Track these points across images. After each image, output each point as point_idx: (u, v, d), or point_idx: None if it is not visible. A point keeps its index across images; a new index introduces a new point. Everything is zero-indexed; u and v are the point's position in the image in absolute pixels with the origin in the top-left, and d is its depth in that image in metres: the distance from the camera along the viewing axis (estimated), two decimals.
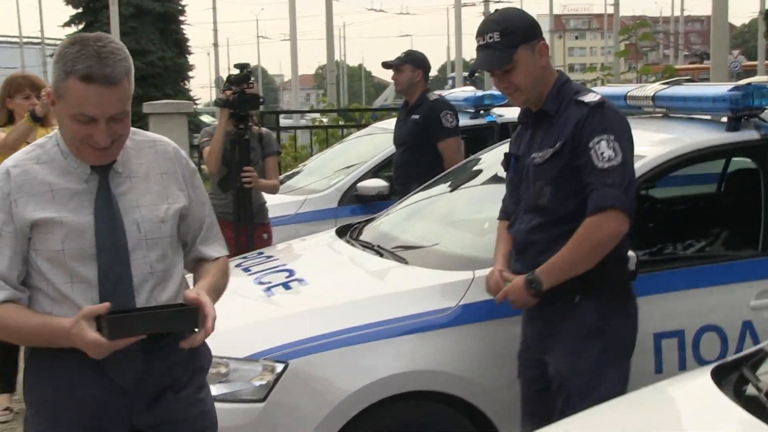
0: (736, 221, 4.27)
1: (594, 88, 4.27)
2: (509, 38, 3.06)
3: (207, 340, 2.37)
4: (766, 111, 4.01)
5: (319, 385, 3.15)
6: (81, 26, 25.14)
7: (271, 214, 5.61)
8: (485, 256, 3.49)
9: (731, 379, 2.12)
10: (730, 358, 2.29)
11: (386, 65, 5.76)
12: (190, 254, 2.51)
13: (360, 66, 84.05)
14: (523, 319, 3.23)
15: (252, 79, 5.34)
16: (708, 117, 4.17)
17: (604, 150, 2.96)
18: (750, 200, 4.01)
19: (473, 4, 35.68)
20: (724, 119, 3.96)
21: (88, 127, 2.18)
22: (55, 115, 2.37)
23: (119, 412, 2.32)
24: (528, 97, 3.15)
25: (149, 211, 2.34)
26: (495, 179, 4.45)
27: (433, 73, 6.92)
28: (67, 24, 25.65)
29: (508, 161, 3.32)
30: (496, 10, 3.36)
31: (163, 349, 2.33)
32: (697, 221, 4.59)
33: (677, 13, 56.63)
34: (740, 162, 4.79)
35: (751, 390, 2.04)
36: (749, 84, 4.29)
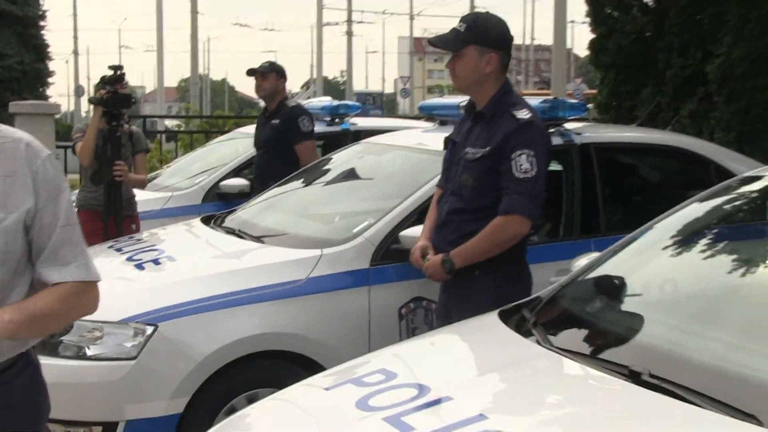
0: (545, 215, 4.95)
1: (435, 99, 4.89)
2: (469, 33, 3.45)
3: None
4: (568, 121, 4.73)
5: (183, 345, 3.54)
6: None
7: (139, 209, 5.92)
8: (332, 237, 4.04)
9: (513, 317, 2.71)
10: (513, 303, 2.86)
11: (251, 72, 6.20)
12: (35, 278, 2.01)
13: (224, 80, 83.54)
14: (440, 287, 3.63)
15: (126, 80, 5.65)
16: None
17: (523, 163, 3.37)
18: (555, 197, 4.68)
19: (336, 23, 36.44)
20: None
21: None
22: None
23: None
24: (462, 88, 3.59)
25: None
26: (343, 177, 5.01)
27: (295, 89, 7.44)
28: None
29: (446, 144, 3.76)
30: (487, 12, 3.82)
31: None
32: None
33: (528, 41, 59.31)
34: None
35: (526, 323, 2.64)
36: (556, 98, 5.01)
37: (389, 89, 72.23)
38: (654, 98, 9.02)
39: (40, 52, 24.75)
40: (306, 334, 3.71)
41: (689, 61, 8.91)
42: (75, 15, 44.94)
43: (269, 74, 6.12)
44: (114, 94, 5.44)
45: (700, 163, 4.70)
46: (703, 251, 2.93)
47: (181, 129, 13.04)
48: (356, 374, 2.44)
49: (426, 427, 1.99)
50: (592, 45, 9.96)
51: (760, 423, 1.83)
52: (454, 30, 3.56)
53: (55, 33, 64.31)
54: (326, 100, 7.98)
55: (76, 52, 46.17)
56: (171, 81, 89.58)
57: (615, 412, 2.02)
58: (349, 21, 34.16)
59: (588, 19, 10.08)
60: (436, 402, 2.13)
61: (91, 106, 5.73)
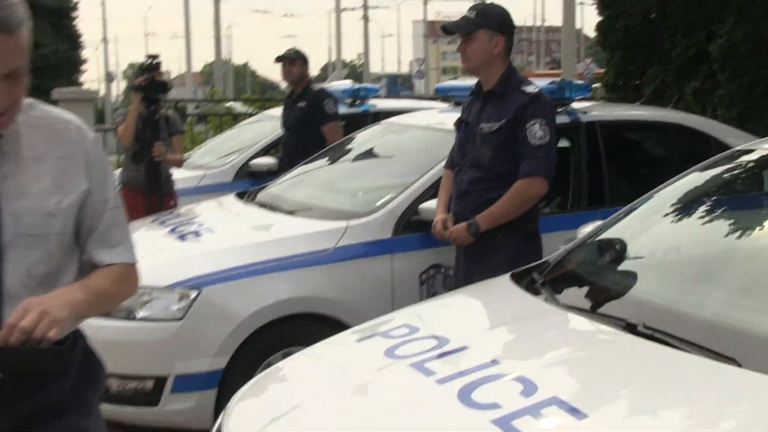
0: (553, 188, 5.11)
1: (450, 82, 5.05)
2: (479, 19, 3.72)
3: None
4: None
5: (225, 308, 3.76)
6: None
7: (176, 187, 6.15)
8: (357, 210, 4.24)
9: (524, 279, 2.89)
10: (523, 267, 3.04)
11: (280, 59, 6.38)
12: (83, 257, 1.97)
13: (245, 65, 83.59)
14: (457, 252, 3.85)
15: (161, 68, 5.86)
16: None
17: (537, 131, 3.64)
18: (563, 171, 4.83)
19: (353, 9, 36.40)
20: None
21: None
22: None
23: None
24: (472, 67, 3.81)
25: (35, 201, 1.81)
26: (365, 155, 5.19)
27: (314, 72, 7.62)
28: None
29: (459, 125, 3.96)
30: (492, 3, 4.02)
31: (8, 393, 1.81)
32: None
33: (539, 23, 58.98)
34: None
35: (535, 284, 2.82)
36: (563, 79, 5.15)
37: (404, 71, 72.05)
38: (659, 77, 9.10)
39: (73, 41, 25.01)
40: (335, 297, 3.91)
41: (693, 41, 8.95)
42: (104, 4, 45.15)
43: (296, 60, 6.31)
44: (151, 81, 5.67)
45: (700, 138, 4.84)
46: (699, 218, 3.07)
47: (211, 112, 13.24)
48: (382, 329, 2.64)
49: (446, 371, 2.18)
50: (600, 26, 9.99)
51: (738, 365, 2.01)
52: (464, 17, 3.80)
53: (85, 22, 64.66)
54: (347, 84, 8.13)
55: (105, 40, 46.34)
56: (196, 66, 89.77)
57: (611, 357, 2.21)
58: (365, 6, 34.10)
59: (596, 1, 10.13)
60: (454, 351, 2.32)
61: (129, 92, 5.94)
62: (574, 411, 1.88)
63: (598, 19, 10.09)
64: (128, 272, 2.01)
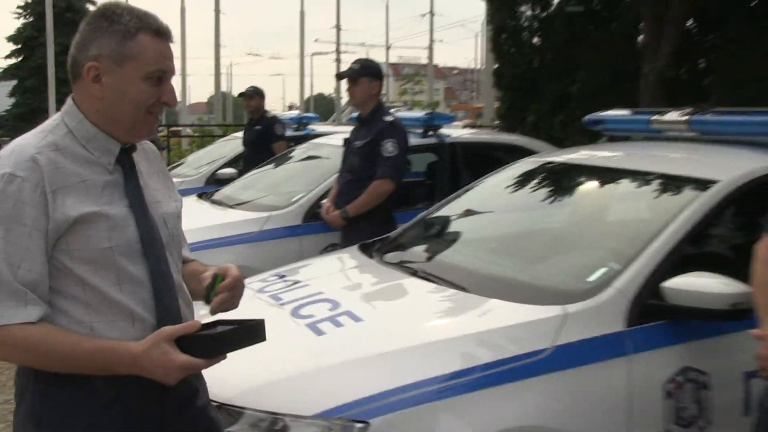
0: (422, 189, 5.40)
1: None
2: (362, 70, 4.23)
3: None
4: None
5: None
6: (20, 58, 24.68)
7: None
8: (277, 204, 4.77)
9: (368, 249, 3.36)
10: (371, 240, 3.46)
11: (242, 94, 7.06)
12: None
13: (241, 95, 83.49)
14: (341, 232, 4.25)
15: None
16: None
17: (389, 147, 4.12)
18: (431, 177, 5.28)
19: (326, 53, 36.91)
20: (420, 130, 5.18)
21: (158, 88, 1.55)
22: (101, 93, 1.54)
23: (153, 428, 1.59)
24: (355, 103, 4.35)
25: (167, 207, 1.66)
26: (295, 165, 5.72)
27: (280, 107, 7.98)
28: (8, 56, 25.14)
29: (344, 142, 4.40)
30: (367, 59, 4.54)
31: None
32: None
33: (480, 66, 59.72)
34: None
35: (372, 251, 3.33)
36: (433, 111, 5.72)
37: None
38: (537, 112, 9.77)
39: None
40: (259, 267, 4.35)
41: (560, 85, 9.60)
42: None
43: (254, 96, 6.95)
44: None
45: (528, 153, 5.10)
46: (484, 208, 3.65)
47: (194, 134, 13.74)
48: (264, 276, 3.18)
49: (289, 298, 2.78)
50: (495, 72, 10.66)
51: (465, 289, 2.64)
52: (351, 68, 4.33)
53: None
54: (294, 113, 8.66)
55: None
56: (203, 97, 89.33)
57: (392, 290, 2.84)
58: (338, 51, 34.69)
59: (493, 54, 10.77)
60: (300, 287, 2.91)
61: None
62: (356, 318, 2.50)
63: (494, 67, 10.71)
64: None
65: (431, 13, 36.66)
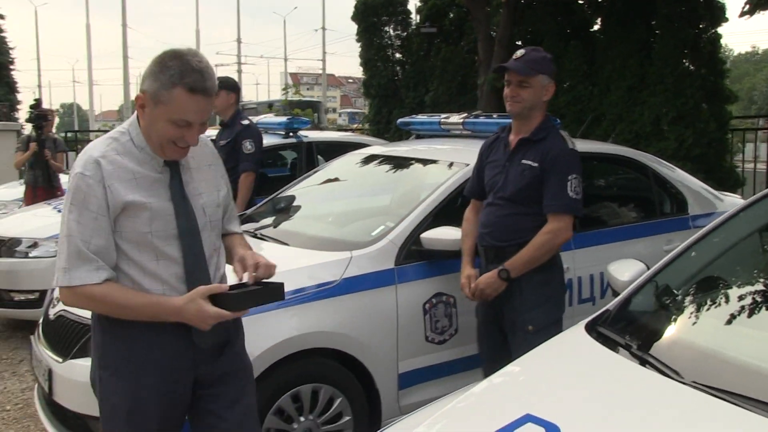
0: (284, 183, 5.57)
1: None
2: (221, 84, 4.27)
3: None
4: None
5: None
6: None
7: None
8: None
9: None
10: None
11: None
12: (222, 230, 2.03)
13: None
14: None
15: (41, 105, 6.59)
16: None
17: (246, 145, 4.38)
18: (292, 173, 5.45)
19: (228, 65, 36.59)
20: (282, 132, 5.48)
21: (182, 129, 1.78)
22: (143, 117, 1.81)
23: (190, 369, 1.87)
24: (218, 111, 4.51)
25: (209, 197, 1.90)
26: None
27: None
28: None
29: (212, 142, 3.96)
30: (225, 76, 4.58)
31: None
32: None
33: None
34: None
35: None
36: (294, 116, 6.05)
37: None
38: (399, 117, 10.49)
39: (10, 87, 24.25)
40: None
41: (418, 94, 10.38)
42: (38, 58, 43.06)
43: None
44: (36, 115, 6.41)
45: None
46: (316, 189, 3.88)
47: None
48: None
49: None
50: (364, 83, 11.30)
51: (287, 244, 3.12)
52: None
53: (22, 72, 61.07)
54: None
55: (39, 86, 44.34)
56: (114, 105, 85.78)
57: None
58: (239, 63, 34.60)
59: (362, 66, 11.41)
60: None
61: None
62: None
63: (363, 78, 11.33)
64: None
65: (323, 29, 37.23)
